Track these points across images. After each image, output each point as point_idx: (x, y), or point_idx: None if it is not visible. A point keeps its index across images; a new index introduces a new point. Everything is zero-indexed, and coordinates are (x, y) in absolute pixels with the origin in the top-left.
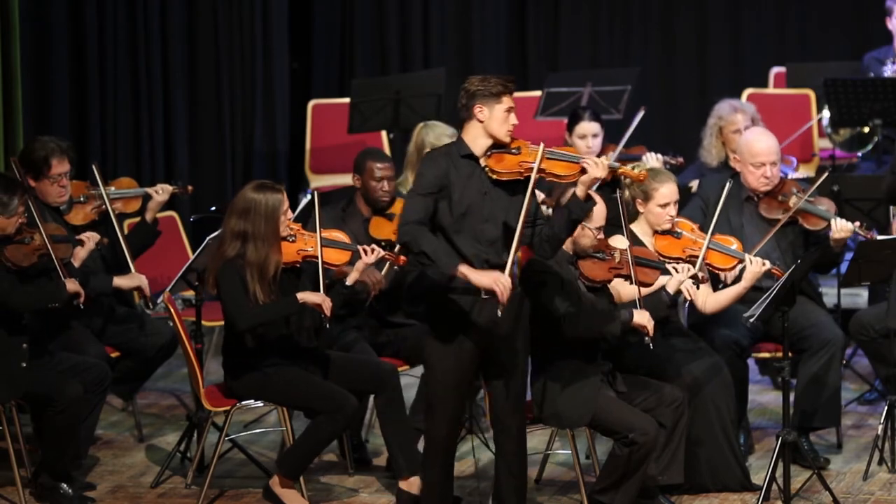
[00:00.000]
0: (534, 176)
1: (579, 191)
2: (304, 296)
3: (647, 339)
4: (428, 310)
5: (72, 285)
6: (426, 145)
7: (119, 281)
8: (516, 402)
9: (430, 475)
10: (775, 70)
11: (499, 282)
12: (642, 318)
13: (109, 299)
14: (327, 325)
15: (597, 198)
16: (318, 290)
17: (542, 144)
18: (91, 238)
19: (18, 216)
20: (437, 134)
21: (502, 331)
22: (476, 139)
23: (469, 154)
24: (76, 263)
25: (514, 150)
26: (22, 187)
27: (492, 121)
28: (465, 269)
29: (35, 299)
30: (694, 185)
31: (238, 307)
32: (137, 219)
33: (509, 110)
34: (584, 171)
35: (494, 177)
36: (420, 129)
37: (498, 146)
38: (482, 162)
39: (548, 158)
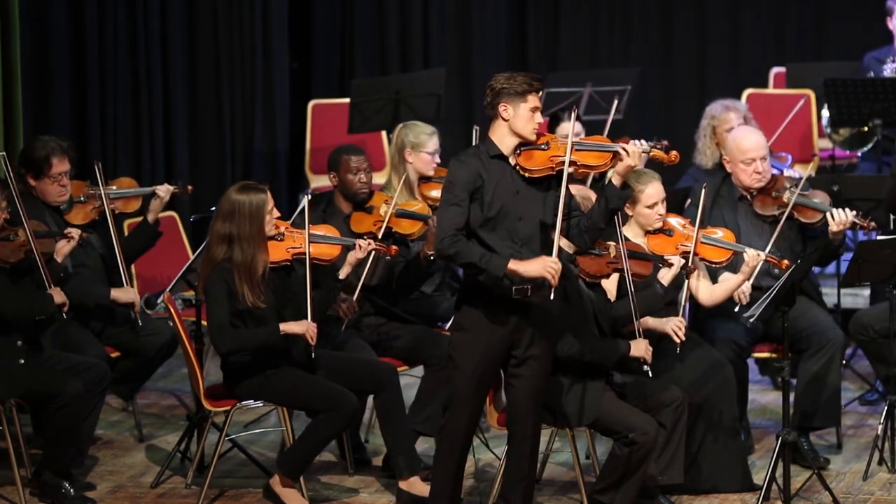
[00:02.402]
0: (566, 169)
1: (616, 180)
2: (287, 327)
3: (645, 367)
4: (459, 301)
5: (58, 296)
6: (406, 145)
7: (116, 293)
8: (536, 401)
9: (444, 469)
10: (775, 70)
11: (548, 267)
12: (639, 349)
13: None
14: (313, 355)
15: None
16: (308, 286)
17: (570, 134)
18: (75, 234)
19: (1, 212)
20: (416, 133)
21: (532, 327)
22: (503, 138)
23: (499, 154)
24: (59, 259)
25: (542, 146)
26: (2, 183)
27: (517, 119)
28: (513, 266)
29: (26, 310)
30: None
31: (218, 330)
32: (138, 219)
33: (534, 109)
34: (615, 158)
35: (526, 174)
36: (399, 129)
37: (526, 143)
38: (512, 161)
39: (577, 150)
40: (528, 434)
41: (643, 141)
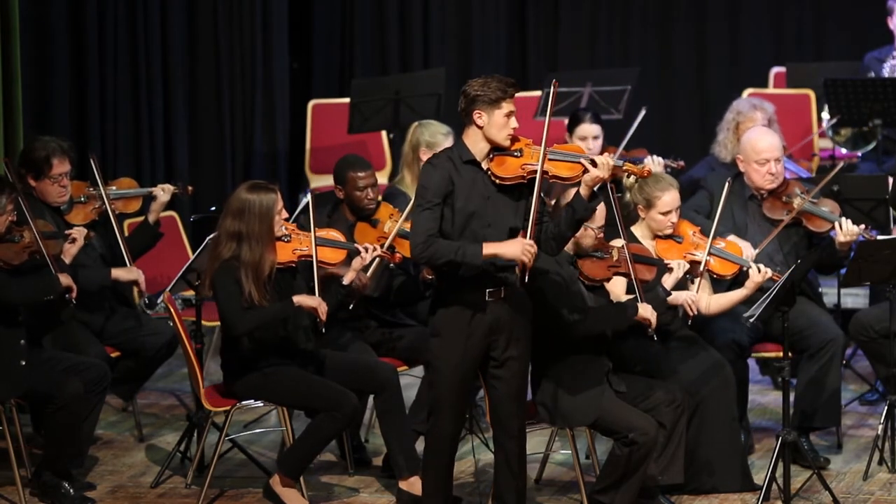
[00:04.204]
0: (538, 178)
1: (583, 190)
2: (300, 299)
3: (650, 331)
4: (434, 306)
5: (65, 279)
6: (421, 144)
7: (117, 273)
8: (519, 402)
9: (433, 473)
10: (775, 70)
11: (525, 249)
12: (645, 311)
13: (110, 300)
14: (323, 330)
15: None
16: (314, 290)
17: (543, 143)
18: (80, 233)
19: (7, 215)
20: (431, 132)
21: (508, 328)
22: (476, 143)
23: (471, 160)
24: (67, 260)
25: (515, 153)
26: (10, 186)
27: (491, 126)
28: (490, 250)
29: (32, 293)
30: None
31: (234, 312)
32: (138, 219)
33: (509, 115)
34: (586, 170)
35: (497, 181)
36: (415, 128)
37: (499, 149)
38: (484, 165)
39: (550, 160)
40: (514, 434)
41: (660, 158)
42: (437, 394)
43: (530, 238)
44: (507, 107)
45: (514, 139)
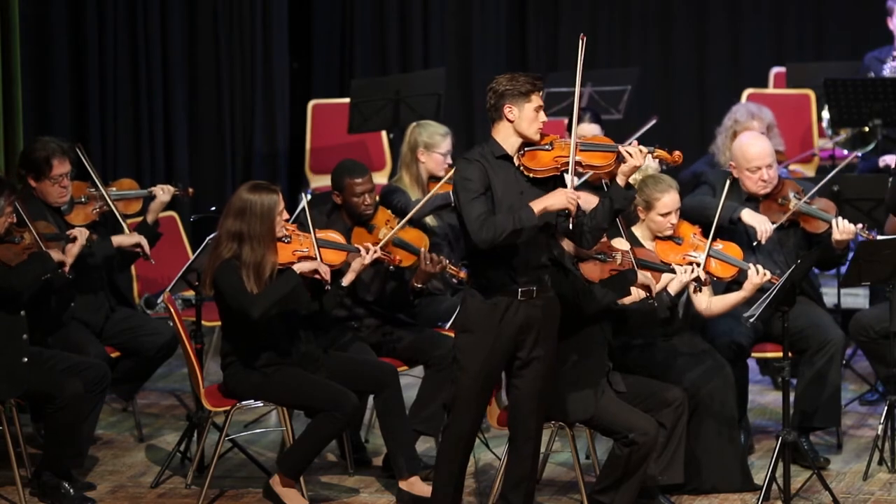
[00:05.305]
0: (572, 169)
1: (620, 180)
2: (301, 266)
3: (649, 300)
4: (465, 303)
5: (56, 254)
6: (419, 144)
7: (119, 239)
8: (539, 401)
9: (446, 469)
10: (775, 70)
11: (569, 197)
12: (645, 276)
13: (110, 300)
14: (327, 288)
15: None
16: (316, 292)
17: (573, 137)
18: (82, 234)
19: (6, 216)
20: (429, 133)
21: (536, 329)
22: (507, 139)
23: (504, 155)
24: (69, 260)
25: (546, 147)
26: (9, 187)
27: (522, 120)
28: (539, 206)
29: (30, 277)
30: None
31: (245, 297)
32: (138, 219)
33: (538, 109)
34: (620, 159)
35: (531, 175)
36: (413, 128)
37: (529, 144)
38: (516, 161)
39: (582, 150)
40: (531, 435)
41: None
42: (460, 391)
43: (572, 168)
44: (536, 100)
45: (542, 134)
